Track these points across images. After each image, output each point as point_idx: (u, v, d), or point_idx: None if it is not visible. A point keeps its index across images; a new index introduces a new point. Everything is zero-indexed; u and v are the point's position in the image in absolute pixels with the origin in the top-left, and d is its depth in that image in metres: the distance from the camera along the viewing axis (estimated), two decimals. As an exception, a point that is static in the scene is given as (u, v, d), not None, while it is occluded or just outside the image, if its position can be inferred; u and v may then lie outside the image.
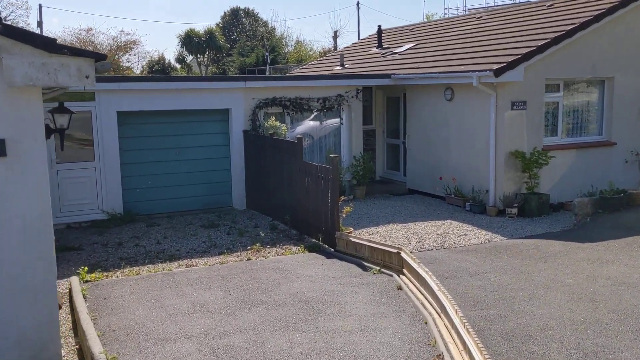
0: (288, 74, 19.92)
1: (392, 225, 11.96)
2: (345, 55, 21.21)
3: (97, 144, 12.52)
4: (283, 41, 53.89)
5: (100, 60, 5.26)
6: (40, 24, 39.93)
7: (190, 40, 48.64)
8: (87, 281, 8.90)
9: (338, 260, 9.63)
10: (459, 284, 8.15)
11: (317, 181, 10.57)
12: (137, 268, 9.55)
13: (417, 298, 7.47)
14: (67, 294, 8.52)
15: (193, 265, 9.66)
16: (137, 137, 13.01)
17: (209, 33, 49.51)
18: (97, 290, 8.43)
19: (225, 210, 13.75)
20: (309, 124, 14.79)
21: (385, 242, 9.47)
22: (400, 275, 8.36)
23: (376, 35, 21.23)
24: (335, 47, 45.62)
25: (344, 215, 10.79)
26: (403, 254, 8.31)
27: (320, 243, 10.55)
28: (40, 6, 44.41)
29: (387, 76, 15.12)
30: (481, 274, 8.59)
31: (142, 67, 42.45)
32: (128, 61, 30.29)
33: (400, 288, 7.92)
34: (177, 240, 11.29)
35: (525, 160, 12.58)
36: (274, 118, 13.22)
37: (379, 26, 20.88)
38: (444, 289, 7.12)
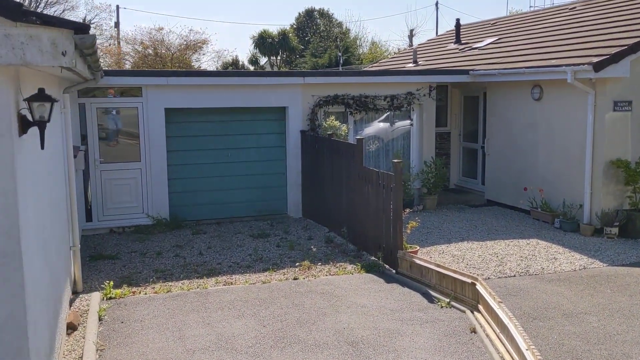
0: (352, 70, 18.53)
1: (467, 244, 10.29)
2: (419, 52, 19.56)
3: (143, 143, 11.57)
4: (357, 42, 52.58)
5: (81, 32, 4.04)
6: (117, 24, 40.45)
7: (263, 42, 48.15)
8: (110, 298, 7.83)
9: (399, 285, 8.11)
10: (550, 329, 6.45)
11: (377, 190, 9.10)
12: (169, 284, 8.42)
13: (497, 349, 5.85)
14: (87, 312, 7.47)
15: (231, 283, 8.42)
16: (186, 136, 11.97)
17: (282, 34, 48.86)
18: (118, 311, 7.33)
19: (279, 218, 12.49)
20: (377, 125, 13.32)
21: (457, 269, 7.86)
22: (475, 313, 6.74)
23: (454, 31, 19.45)
24: (410, 46, 43.77)
25: (408, 231, 9.25)
26: (479, 287, 6.70)
27: (380, 262, 9.06)
28: (117, 7, 45.16)
29: (465, 72, 13.41)
30: (579, 316, 6.84)
31: (217, 69, 42.21)
32: (197, 60, 29.82)
33: (474, 331, 6.31)
34: (221, 251, 10.11)
35: (630, 171, 10.57)
36: (333, 117, 11.84)
37: (457, 20, 19.10)
38: (532, 346, 5.42)
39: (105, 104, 11.35)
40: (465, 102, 15.01)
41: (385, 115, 13.27)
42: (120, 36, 33.05)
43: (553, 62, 11.56)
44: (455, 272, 7.26)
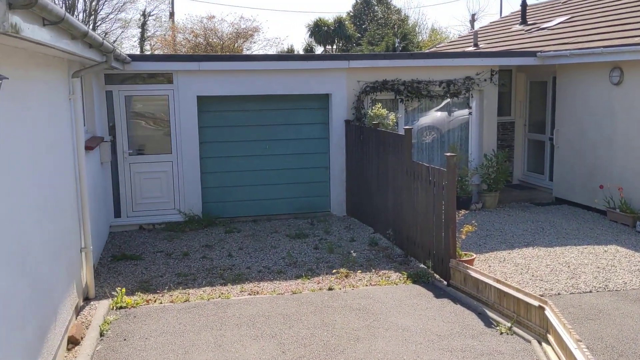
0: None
1: (532, 250, 8.92)
2: (480, 35, 18.00)
3: (175, 134, 10.72)
4: (416, 29, 50.74)
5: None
6: (172, 14, 40.25)
7: (319, 30, 47.07)
8: (121, 307, 6.97)
9: (450, 301, 6.88)
10: (640, 366, 5.12)
11: (427, 187, 7.88)
12: (189, 291, 7.50)
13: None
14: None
15: (257, 292, 7.42)
16: (221, 126, 11.05)
17: (339, 22, 47.62)
18: (124, 324, 6.44)
19: (321, 216, 11.41)
20: (432, 114, 12.04)
21: (521, 288, 6.58)
22: (544, 344, 5.45)
23: (519, 12, 17.77)
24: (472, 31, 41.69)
25: (463, 236, 7.99)
26: (549, 313, 5.40)
27: (430, 271, 7.85)
28: (172, -3, 44.96)
29: (532, 54, 11.91)
30: (678, 350, 5.46)
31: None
32: (248, 49, 29.04)
33: (541, 370, 5.06)
34: (253, 253, 9.13)
35: None
36: (379, 105, 10.62)
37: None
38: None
39: (134, 92, 10.54)
40: (532, 88, 13.47)
41: (442, 103, 11.96)
42: (173, 26, 32.70)
43: (637, 39, 9.95)
44: (518, 290, 5.98)
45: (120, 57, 8.72)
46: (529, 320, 5.71)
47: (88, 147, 8.14)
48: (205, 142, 10.97)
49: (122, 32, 41.58)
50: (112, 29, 39.38)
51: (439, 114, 12.15)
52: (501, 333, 5.89)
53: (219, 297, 7.27)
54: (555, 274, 7.81)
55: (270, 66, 10.79)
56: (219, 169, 11.12)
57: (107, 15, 38.42)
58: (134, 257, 9.04)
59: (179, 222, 10.77)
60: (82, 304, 7.23)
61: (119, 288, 7.32)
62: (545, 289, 7.28)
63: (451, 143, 12.01)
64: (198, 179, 10.87)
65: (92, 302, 7.24)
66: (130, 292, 7.49)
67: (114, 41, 37.18)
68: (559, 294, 7.15)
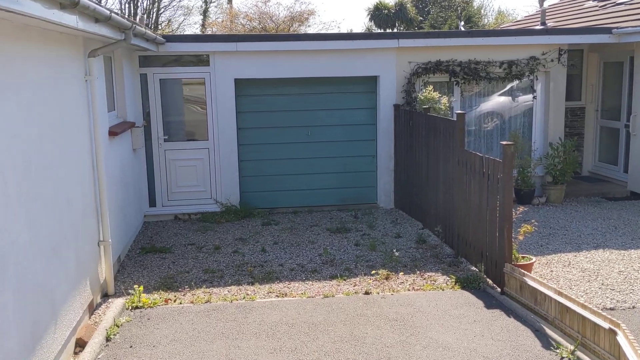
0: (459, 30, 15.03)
1: (603, 252, 7.82)
2: (549, 13, 16.55)
3: (212, 120, 10.12)
4: (481, 11, 48.66)
5: None
6: (230, 0, 40.00)
7: (379, 13, 45.77)
8: (136, 307, 6.41)
9: (503, 313, 5.95)
10: None
11: (480, 180, 6.93)
12: (214, 290, 6.89)
13: None
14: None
15: (286, 295, 6.71)
16: (260, 111, 10.37)
17: (399, 5, 46.15)
18: (135, 328, 5.87)
19: (366, 209, 10.59)
20: (492, 99, 10.97)
21: (587, 304, 5.61)
22: (614, 377, 4.48)
23: (593, -13, 16.21)
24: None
25: (520, 237, 7.00)
26: (621, 339, 4.42)
27: (482, 275, 6.92)
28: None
29: (607, 31, 10.61)
30: None
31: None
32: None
33: (612, 415, 4.11)
34: (288, 248, 8.44)
35: None
36: (430, 88, 9.64)
37: (598, -28, 15.82)
38: None
39: (169, 75, 10.00)
40: (606, 69, 12.12)
41: (504, 86, 10.85)
42: (231, 11, 32.34)
43: None
44: (584, 307, 5.00)
45: (147, 36, 8.14)
46: (597, 344, 4.73)
47: (113, 133, 7.62)
48: (243, 128, 10.33)
49: (184, 19, 41.56)
50: (174, 16, 39.42)
51: (501, 98, 11.05)
52: (562, 357, 4.94)
53: (244, 298, 6.61)
54: (630, 283, 6.73)
55: (312, 46, 10.00)
56: (257, 157, 10.46)
57: (170, 3, 38.49)
58: (163, 249, 8.52)
59: (215, 212, 10.20)
60: (99, 301, 6.74)
61: (137, 286, 6.77)
62: (617, 301, 6.24)
63: (512, 130, 10.91)
64: (236, 167, 10.25)
65: (109, 300, 6.74)
66: (151, 289, 6.95)
67: (177, 28, 37.10)
68: (633, 307, 6.10)
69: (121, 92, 8.87)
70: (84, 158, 6.37)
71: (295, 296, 6.66)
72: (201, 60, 9.98)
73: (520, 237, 6.98)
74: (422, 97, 9.43)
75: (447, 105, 9.26)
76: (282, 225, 9.66)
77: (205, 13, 41.65)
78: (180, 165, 10.21)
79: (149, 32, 8.13)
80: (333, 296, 6.60)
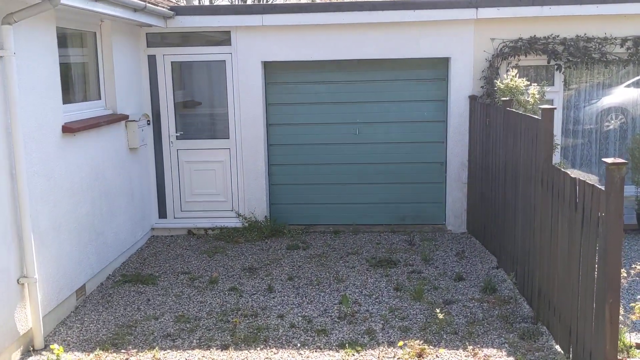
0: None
1: None
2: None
3: (233, 113, 8.12)
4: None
5: None
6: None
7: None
8: (47, 378, 4.53)
9: None
10: None
11: (571, 216, 4.34)
12: (168, 356, 4.87)
13: None
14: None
15: (261, 375, 4.54)
16: (294, 103, 8.22)
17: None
18: (15, 420, 3.96)
19: (429, 232, 8.13)
20: (621, 92, 8.11)
21: None
22: None
23: None
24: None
25: (634, 316, 4.30)
26: None
27: (569, 367, 4.34)
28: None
29: None
30: None
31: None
32: None
33: None
34: (304, 288, 6.26)
35: None
36: (514, 73, 6.95)
37: None
38: None
39: (182, 57, 8.10)
40: None
41: (626, 72, 7.94)
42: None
43: None
44: None
45: (128, 3, 6.21)
46: None
47: (69, 129, 5.81)
48: (274, 124, 8.24)
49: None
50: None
51: (624, 89, 8.14)
52: None
53: (197, 377, 4.52)
54: None
55: (361, 18, 7.68)
56: (291, 161, 8.33)
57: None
58: (147, 279, 6.63)
59: (237, 228, 8.21)
60: (18, 358, 4.95)
61: (56, 345, 4.89)
62: None
63: (637, 133, 7.94)
64: (263, 173, 8.19)
65: (33, 358, 4.93)
66: (91, 346, 5.08)
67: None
68: None
69: (110, 78, 7.07)
70: (-13, 165, 4.56)
71: (272, 379, 4.48)
72: (221, 38, 7.99)
73: (634, 317, 4.27)
74: (503, 86, 6.79)
75: (538, 96, 6.57)
76: (311, 251, 7.47)
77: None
78: (196, 168, 8.30)
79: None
80: (327, 385, 4.34)
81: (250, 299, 6.04)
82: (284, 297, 6.08)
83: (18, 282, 4.97)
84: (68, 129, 5.80)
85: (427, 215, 8.33)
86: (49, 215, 5.46)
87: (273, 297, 6.07)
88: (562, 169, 4.57)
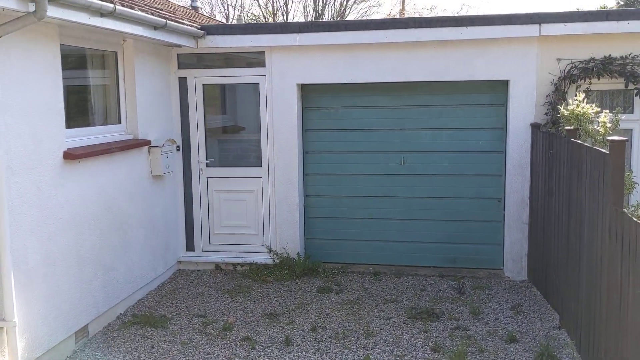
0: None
1: None
2: None
3: (267, 139, 7.47)
4: None
5: None
6: None
7: None
8: None
9: None
10: None
11: (646, 281, 3.33)
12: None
13: None
14: None
15: None
16: (333, 130, 7.48)
17: None
18: None
19: (483, 278, 7.11)
20: None
21: None
22: None
23: None
24: None
25: None
26: None
27: None
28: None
29: None
30: None
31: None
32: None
33: None
34: (325, 343, 5.44)
35: None
36: (581, 97, 5.90)
37: None
38: None
39: (214, 79, 7.57)
40: None
41: None
42: None
43: None
44: None
45: (140, 19, 5.70)
46: None
47: (72, 156, 5.32)
48: (310, 152, 7.53)
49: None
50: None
51: None
52: None
53: None
54: None
55: (407, 36, 6.87)
56: (328, 192, 7.57)
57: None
58: (158, 322, 6.00)
59: (267, 264, 7.50)
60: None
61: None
62: None
63: None
64: (297, 205, 7.46)
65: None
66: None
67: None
68: None
69: (132, 100, 6.60)
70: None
71: None
72: (255, 59, 7.40)
73: None
74: (567, 113, 5.76)
75: (610, 125, 5.49)
76: (344, 295, 6.63)
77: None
78: (226, 198, 7.69)
79: (140, 13, 5.70)
80: None
81: (262, 353, 5.28)
82: (301, 352, 5.27)
83: (-6, 326, 4.46)
84: (70, 155, 5.31)
85: (482, 259, 7.32)
86: (40, 250, 4.95)
87: (289, 352, 5.28)
88: (636, 218, 3.56)
